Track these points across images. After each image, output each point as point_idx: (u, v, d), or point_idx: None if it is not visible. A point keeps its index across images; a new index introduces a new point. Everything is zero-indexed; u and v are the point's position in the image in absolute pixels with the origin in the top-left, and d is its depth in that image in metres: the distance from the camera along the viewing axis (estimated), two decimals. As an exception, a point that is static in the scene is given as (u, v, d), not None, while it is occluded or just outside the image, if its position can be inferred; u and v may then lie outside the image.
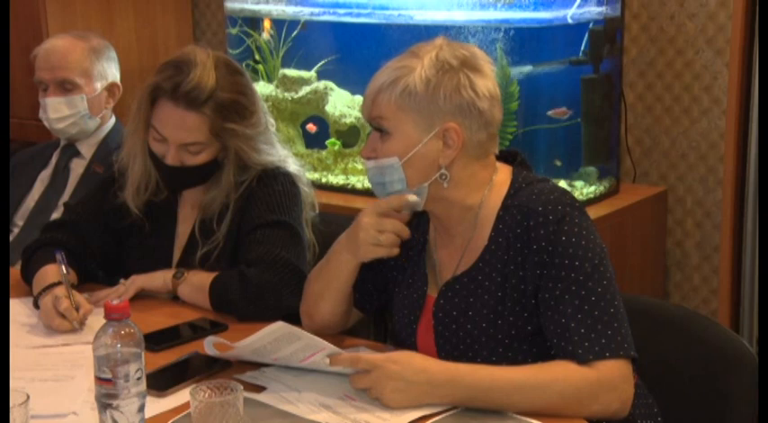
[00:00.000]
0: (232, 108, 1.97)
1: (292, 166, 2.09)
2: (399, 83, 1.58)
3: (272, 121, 2.11)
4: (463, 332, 1.61)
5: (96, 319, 1.54)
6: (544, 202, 1.57)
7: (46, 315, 1.86)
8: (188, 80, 1.92)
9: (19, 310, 1.94)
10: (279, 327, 1.52)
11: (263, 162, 2.03)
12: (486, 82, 1.60)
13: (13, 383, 1.58)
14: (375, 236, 1.63)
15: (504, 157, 1.69)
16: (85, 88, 2.52)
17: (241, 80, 2.01)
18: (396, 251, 1.65)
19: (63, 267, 1.91)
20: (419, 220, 1.74)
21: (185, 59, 1.96)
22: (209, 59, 1.97)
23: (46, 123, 2.56)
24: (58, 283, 1.90)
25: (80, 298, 1.88)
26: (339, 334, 1.80)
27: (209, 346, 1.62)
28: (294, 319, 1.87)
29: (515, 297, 1.58)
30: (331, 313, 1.76)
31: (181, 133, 1.95)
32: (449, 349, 1.63)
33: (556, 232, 1.55)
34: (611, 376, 1.50)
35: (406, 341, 1.71)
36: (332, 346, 1.53)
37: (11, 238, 2.53)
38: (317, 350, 1.53)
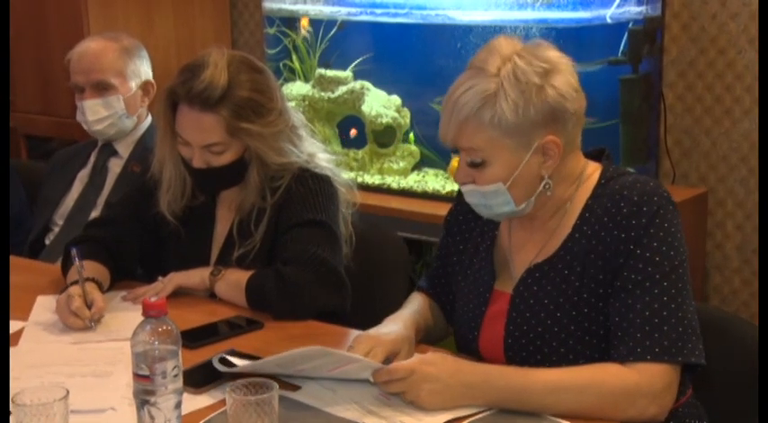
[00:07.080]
0: (247, 106, 1.96)
1: (322, 163, 2.08)
2: (485, 113, 1.53)
3: (300, 117, 2.09)
4: (536, 320, 1.60)
5: (133, 316, 1.55)
6: (640, 192, 1.55)
7: (60, 314, 1.87)
8: (199, 81, 1.93)
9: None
10: (314, 350, 1.49)
11: (283, 162, 2.01)
12: (568, 78, 1.57)
13: (52, 378, 1.60)
14: None
15: (590, 155, 1.67)
16: (121, 88, 2.54)
17: (258, 78, 2.00)
18: None
19: (77, 264, 1.91)
20: (485, 219, 1.71)
21: (199, 62, 1.97)
22: (222, 59, 1.96)
23: (85, 126, 2.58)
24: (77, 282, 1.91)
25: (96, 295, 1.88)
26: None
27: (216, 362, 1.59)
28: (328, 316, 1.87)
29: (593, 288, 1.56)
30: None
31: (200, 135, 1.96)
32: (517, 336, 1.61)
33: (648, 225, 1.53)
34: (653, 381, 1.48)
35: (467, 335, 1.69)
36: (365, 359, 1.51)
37: (51, 237, 2.56)
38: (347, 363, 1.51)
